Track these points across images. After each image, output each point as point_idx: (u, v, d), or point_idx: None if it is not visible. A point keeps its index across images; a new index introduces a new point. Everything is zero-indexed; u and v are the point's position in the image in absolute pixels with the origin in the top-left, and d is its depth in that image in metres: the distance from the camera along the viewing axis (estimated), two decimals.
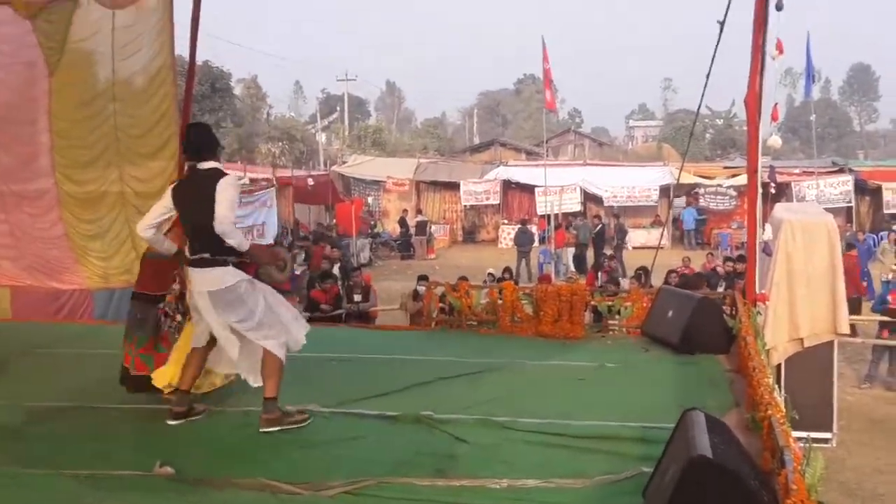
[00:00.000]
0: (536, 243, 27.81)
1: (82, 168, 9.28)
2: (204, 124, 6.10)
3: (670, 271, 14.85)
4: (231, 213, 5.13)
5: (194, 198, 5.26)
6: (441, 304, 9.76)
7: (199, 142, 5.41)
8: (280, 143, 43.09)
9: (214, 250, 5.20)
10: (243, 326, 5.32)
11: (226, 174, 5.30)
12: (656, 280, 13.91)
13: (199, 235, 5.25)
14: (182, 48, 9.39)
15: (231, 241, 5.13)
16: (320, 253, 18.08)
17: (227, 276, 5.22)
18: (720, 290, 12.51)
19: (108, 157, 9.17)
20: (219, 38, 37.76)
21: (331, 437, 5.34)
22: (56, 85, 9.09)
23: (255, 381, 5.50)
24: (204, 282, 5.25)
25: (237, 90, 56.51)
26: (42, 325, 9.95)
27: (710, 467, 3.54)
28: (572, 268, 24.19)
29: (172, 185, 5.58)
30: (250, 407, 5.74)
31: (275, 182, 24.13)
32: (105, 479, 4.56)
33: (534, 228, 29.05)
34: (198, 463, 4.77)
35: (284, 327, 5.47)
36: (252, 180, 24.47)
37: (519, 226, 27.83)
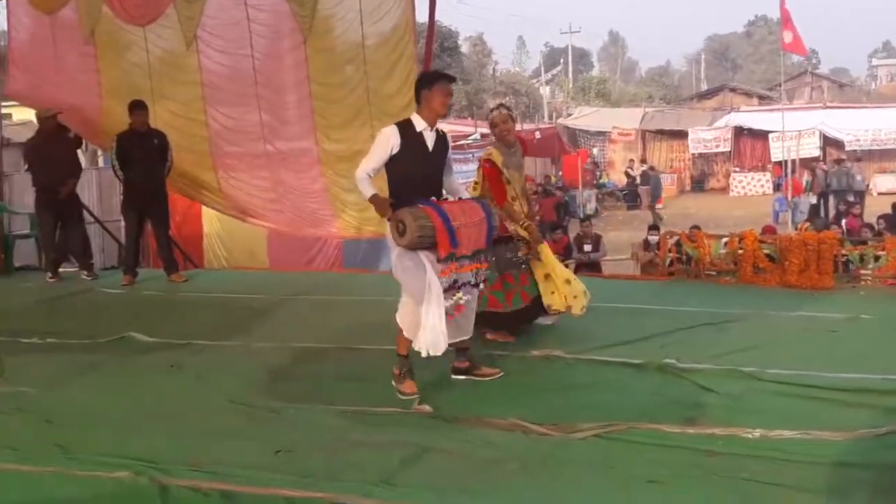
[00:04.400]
0: (771, 191, 26.59)
1: (339, 128, 9.86)
2: None
3: None
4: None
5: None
6: (675, 254, 9.57)
7: None
8: (507, 98, 43.46)
9: None
10: None
11: None
12: None
13: None
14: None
15: None
16: (549, 204, 18.20)
17: None
18: None
19: (363, 117, 9.67)
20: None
21: (575, 382, 5.41)
22: (310, 51, 9.69)
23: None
24: None
25: (464, 48, 57.31)
26: (297, 273, 10.70)
27: None
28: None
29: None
30: (497, 351, 5.97)
31: None
32: (369, 415, 4.85)
33: (768, 175, 27.81)
34: (453, 402, 4.99)
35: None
36: (483, 135, 25.10)
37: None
